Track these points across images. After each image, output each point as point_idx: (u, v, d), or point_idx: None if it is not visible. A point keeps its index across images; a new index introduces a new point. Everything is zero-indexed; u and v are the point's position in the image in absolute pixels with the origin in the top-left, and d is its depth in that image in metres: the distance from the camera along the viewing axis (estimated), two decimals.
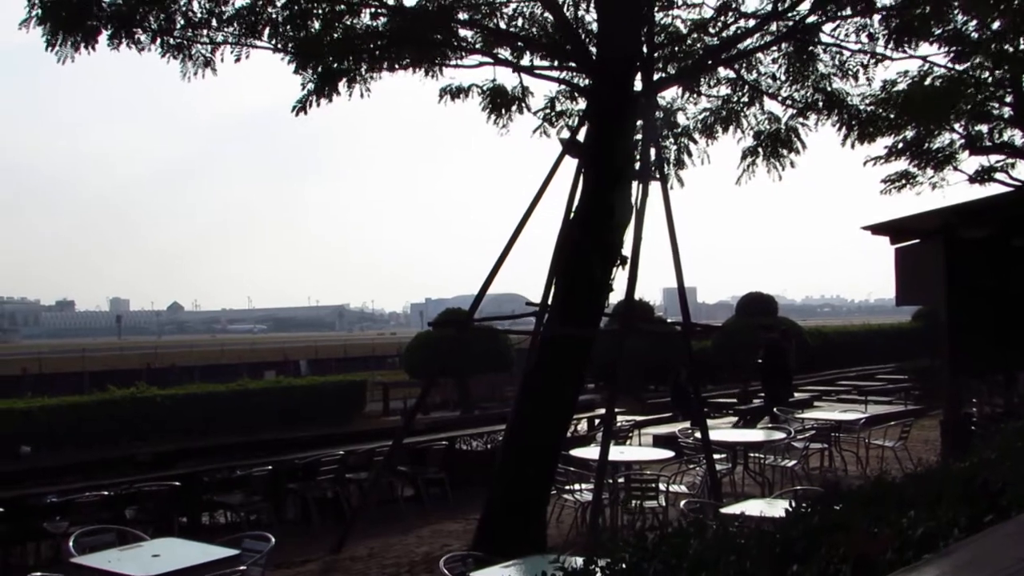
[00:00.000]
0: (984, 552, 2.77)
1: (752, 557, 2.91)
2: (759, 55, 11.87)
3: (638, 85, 10.64)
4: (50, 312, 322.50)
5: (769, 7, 10.80)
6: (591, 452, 11.70)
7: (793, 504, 3.72)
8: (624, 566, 2.93)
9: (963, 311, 13.46)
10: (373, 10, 10.52)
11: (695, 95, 12.70)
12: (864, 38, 11.10)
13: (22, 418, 19.42)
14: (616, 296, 10.54)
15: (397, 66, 10.93)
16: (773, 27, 11.20)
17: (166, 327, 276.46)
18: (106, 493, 11.17)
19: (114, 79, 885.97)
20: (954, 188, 18.65)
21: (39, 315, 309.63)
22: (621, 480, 11.36)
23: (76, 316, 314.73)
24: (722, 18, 11.38)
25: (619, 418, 16.73)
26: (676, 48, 11.89)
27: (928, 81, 15.02)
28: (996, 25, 13.98)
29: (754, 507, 7.95)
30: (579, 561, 3.07)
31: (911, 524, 3.06)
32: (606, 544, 3.19)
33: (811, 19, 10.99)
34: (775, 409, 17.26)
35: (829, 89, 12.01)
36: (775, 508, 6.54)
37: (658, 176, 10.83)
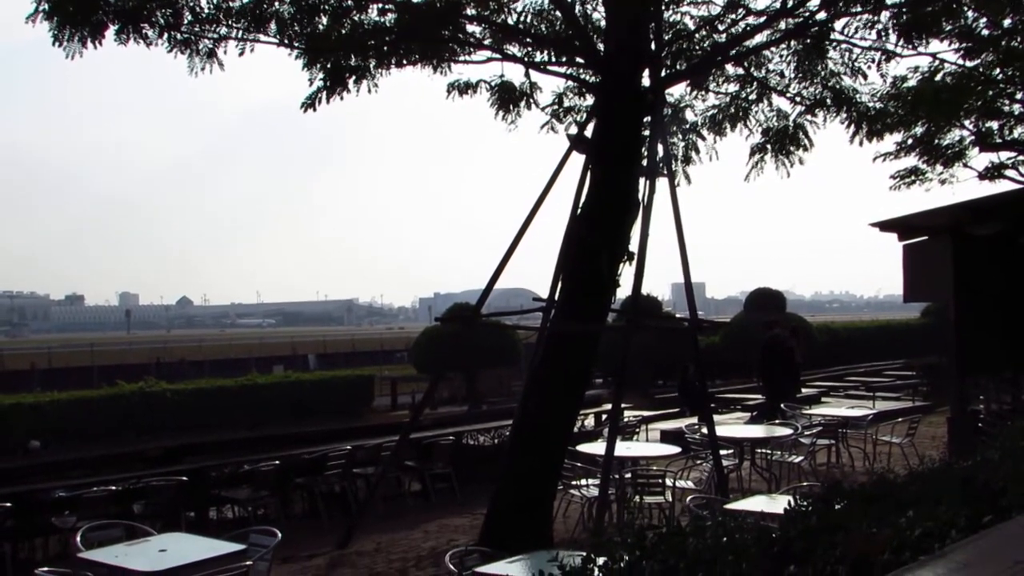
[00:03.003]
0: (981, 553, 2.76)
1: (750, 557, 2.92)
2: (768, 52, 11.83)
3: (646, 81, 10.64)
4: (59, 306, 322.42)
5: (778, 4, 10.75)
6: (598, 447, 11.69)
7: (792, 502, 3.72)
8: (622, 565, 2.94)
9: (971, 308, 13.44)
10: (381, 5, 10.51)
11: (703, 91, 12.68)
12: (873, 34, 11.04)
13: (31, 413, 19.58)
14: (624, 292, 10.56)
15: (405, 62, 10.93)
16: (782, 24, 11.16)
17: (175, 321, 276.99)
18: (114, 488, 11.24)
19: (123, 74, 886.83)
20: (964, 185, 18.56)
21: (48, 309, 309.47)
22: (628, 475, 11.37)
23: (85, 310, 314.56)
24: (731, 15, 11.36)
25: (626, 413, 16.75)
26: (684, 44, 11.86)
27: (938, 77, 14.99)
28: (1007, 22, 13.96)
29: (756, 503, 7.95)
30: (577, 559, 3.07)
31: (909, 524, 3.05)
32: (605, 543, 3.19)
33: (820, 16, 10.95)
34: (782, 405, 17.23)
35: (838, 87, 11.95)
36: (777, 504, 6.55)
37: (666, 172, 10.83)
